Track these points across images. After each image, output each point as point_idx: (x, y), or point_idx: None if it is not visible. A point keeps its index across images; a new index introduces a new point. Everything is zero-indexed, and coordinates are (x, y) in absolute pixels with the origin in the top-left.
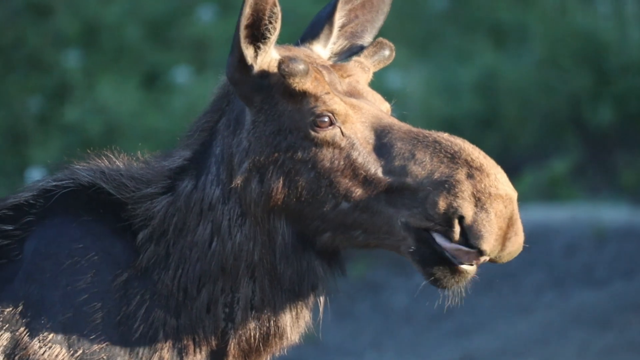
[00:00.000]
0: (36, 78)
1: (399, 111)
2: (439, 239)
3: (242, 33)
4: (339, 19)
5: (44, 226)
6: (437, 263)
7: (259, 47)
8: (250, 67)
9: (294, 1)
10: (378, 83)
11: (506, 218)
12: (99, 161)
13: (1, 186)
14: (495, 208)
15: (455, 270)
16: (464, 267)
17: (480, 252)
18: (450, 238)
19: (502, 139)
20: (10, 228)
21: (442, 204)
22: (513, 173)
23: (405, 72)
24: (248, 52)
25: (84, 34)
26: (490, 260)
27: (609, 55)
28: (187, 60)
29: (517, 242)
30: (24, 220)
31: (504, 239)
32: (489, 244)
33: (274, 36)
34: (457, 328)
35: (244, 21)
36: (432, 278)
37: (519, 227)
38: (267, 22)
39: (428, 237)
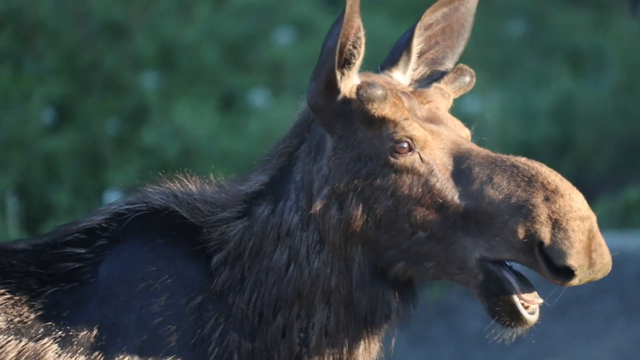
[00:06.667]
0: (113, 100)
1: (477, 137)
2: (511, 280)
3: (337, 57)
4: (417, 45)
5: (116, 250)
6: (502, 305)
7: (343, 73)
8: (336, 93)
9: (373, 25)
10: (455, 108)
11: (585, 231)
12: (172, 185)
13: (79, 209)
14: (572, 225)
15: (517, 317)
16: (526, 315)
17: (569, 271)
18: (540, 270)
19: (577, 165)
20: (83, 251)
21: (521, 232)
22: (587, 199)
23: (483, 97)
24: (338, 77)
25: (161, 56)
26: (587, 279)
27: None
28: (264, 83)
29: (604, 253)
30: (97, 243)
31: (589, 251)
32: (573, 257)
33: (358, 61)
34: (531, 353)
35: (338, 46)
36: (496, 317)
37: (601, 240)
38: (351, 47)
39: (501, 277)
